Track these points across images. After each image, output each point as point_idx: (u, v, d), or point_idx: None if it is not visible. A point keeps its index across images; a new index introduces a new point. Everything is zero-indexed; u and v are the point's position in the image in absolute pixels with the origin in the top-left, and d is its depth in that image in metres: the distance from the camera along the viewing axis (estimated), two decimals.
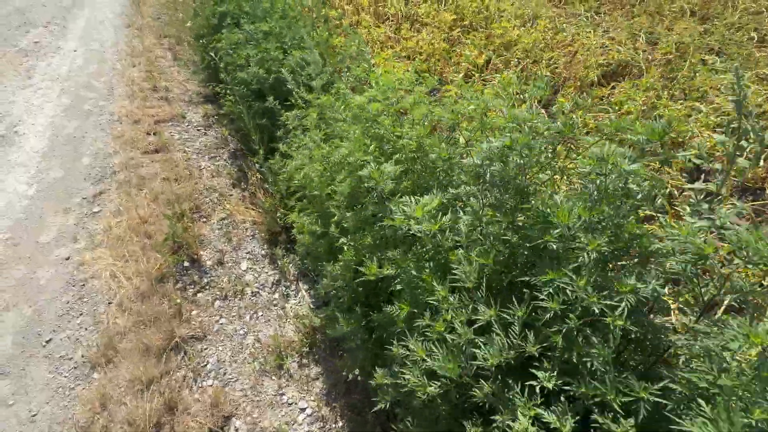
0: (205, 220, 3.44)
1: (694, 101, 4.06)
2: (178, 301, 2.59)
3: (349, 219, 1.85)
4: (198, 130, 4.84)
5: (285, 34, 3.77)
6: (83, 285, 2.72)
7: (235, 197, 3.72)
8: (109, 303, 2.65)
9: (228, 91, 3.86)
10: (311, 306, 2.72)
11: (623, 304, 1.13)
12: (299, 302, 2.82)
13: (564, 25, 6.84)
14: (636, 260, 1.41)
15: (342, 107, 2.29)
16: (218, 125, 4.91)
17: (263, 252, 3.18)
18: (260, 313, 2.70)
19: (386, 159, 1.83)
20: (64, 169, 3.93)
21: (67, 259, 2.94)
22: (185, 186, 3.72)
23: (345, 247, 1.91)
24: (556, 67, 5.16)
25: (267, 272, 3.03)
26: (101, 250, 2.96)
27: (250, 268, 3.05)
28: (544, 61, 5.16)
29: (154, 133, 4.53)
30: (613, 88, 4.64)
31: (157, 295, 2.62)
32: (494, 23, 6.57)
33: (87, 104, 5.25)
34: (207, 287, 2.84)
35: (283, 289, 2.91)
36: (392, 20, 7.61)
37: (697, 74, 4.50)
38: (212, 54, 4.12)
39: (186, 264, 2.97)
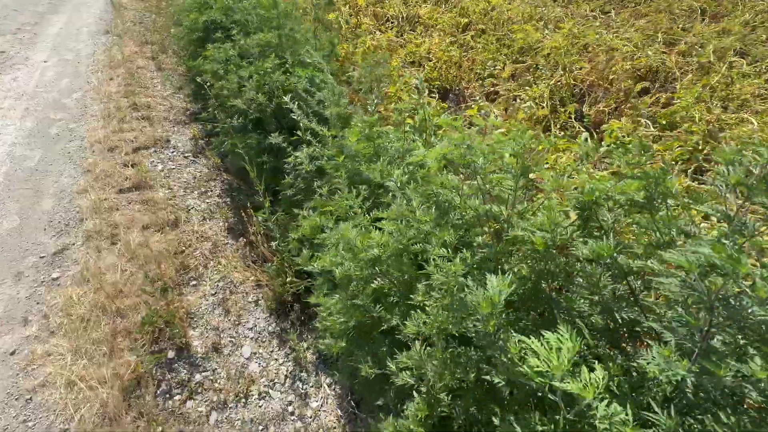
0: (195, 282, 2.70)
1: (738, 112, 3.44)
2: (160, 430, 1.85)
3: (427, 359, 1.14)
4: (185, 157, 4.07)
5: (286, 48, 3.03)
6: (29, 399, 1.97)
7: (232, 249, 2.98)
8: None
9: (218, 121, 3.11)
10: (340, 416, 2.01)
11: None
12: (322, 405, 2.10)
13: (575, 26, 6.20)
14: None
15: (402, 174, 1.53)
16: (208, 151, 4.15)
17: (270, 328, 2.45)
18: (272, 431, 1.97)
19: (485, 264, 1.12)
20: (21, 215, 3.15)
21: (13, 353, 2.18)
22: (170, 236, 2.97)
23: (416, 395, 1.20)
24: (578, 74, 4.49)
25: (277, 359, 2.31)
26: (58, 339, 2.20)
27: (256, 354, 2.32)
28: (571, 69, 4.49)
29: (132, 165, 3.75)
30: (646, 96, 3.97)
31: (130, 414, 1.89)
32: (513, 26, 5.88)
33: (54, 128, 4.45)
34: (199, 390, 2.10)
35: (300, 384, 2.19)
36: (392, 22, 6.89)
37: (734, 80, 3.88)
38: (198, 79, 3.35)
39: (171, 354, 2.23)
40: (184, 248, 2.94)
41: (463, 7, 6.90)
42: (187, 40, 4.26)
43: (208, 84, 2.96)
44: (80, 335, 2.20)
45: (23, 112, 4.75)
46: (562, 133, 3.65)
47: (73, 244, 2.88)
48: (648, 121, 3.48)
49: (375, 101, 2.52)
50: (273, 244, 2.56)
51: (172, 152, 4.10)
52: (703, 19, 6.20)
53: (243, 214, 2.98)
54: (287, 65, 3.01)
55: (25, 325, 2.32)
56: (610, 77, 4.45)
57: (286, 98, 2.43)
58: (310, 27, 3.48)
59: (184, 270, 2.75)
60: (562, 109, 3.89)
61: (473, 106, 3.83)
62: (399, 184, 1.42)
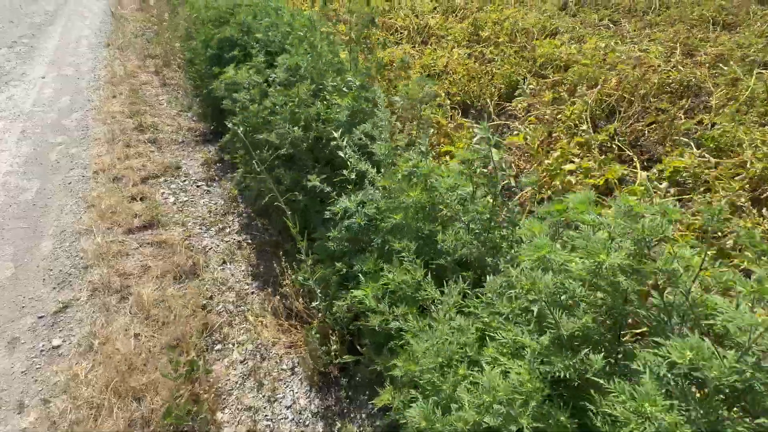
0: (220, 346, 2.29)
1: None
2: None
3: None
4: (198, 186, 3.66)
5: (323, 72, 2.63)
6: None
7: (258, 300, 2.57)
8: None
9: (242, 156, 2.71)
10: None
11: None
12: None
13: (599, 39, 5.87)
14: None
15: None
16: (223, 177, 3.74)
17: (313, 407, 2.05)
18: None
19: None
20: (16, 262, 2.73)
21: None
22: (188, 288, 2.56)
23: None
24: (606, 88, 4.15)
25: None
26: None
27: None
28: (600, 84, 4.14)
29: (141, 198, 3.34)
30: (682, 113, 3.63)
31: None
32: (535, 40, 5.52)
33: (54, 153, 4.03)
34: None
35: None
36: (401, 32, 6.53)
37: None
38: (222, 104, 2.95)
39: None
40: (205, 300, 2.53)
41: (477, 18, 6.55)
42: (201, 54, 3.85)
43: (234, 123, 2.55)
44: (89, 429, 1.78)
45: (19, 135, 4.32)
46: (604, 156, 3.28)
47: (77, 300, 2.46)
48: (692, 143, 3.13)
49: (426, 139, 2.13)
50: (315, 305, 2.16)
51: (184, 181, 3.69)
52: (715, 29, 5.93)
53: (272, 259, 2.57)
54: (324, 92, 2.62)
55: (20, 413, 1.90)
56: (641, 92, 4.11)
57: (336, 134, 2.04)
58: (346, 47, 3.09)
59: (207, 330, 2.34)
60: (602, 130, 3.51)
61: (516, 133, 3.45)
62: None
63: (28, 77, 5.86)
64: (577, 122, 3.73)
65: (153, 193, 3.43)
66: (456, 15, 7.09)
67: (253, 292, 2.65)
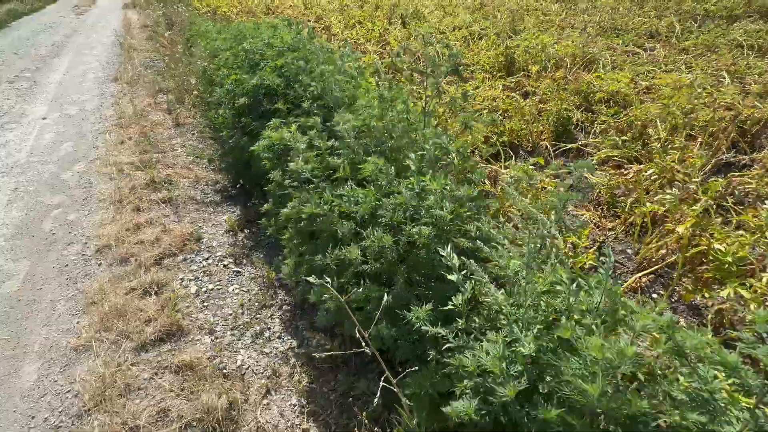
0: None
1: None
2: None
3: None
4: (225, 266, 2.90)
5: (401, 145, 1.90)
6: None
7: None
8: None
9: (299, 261, 1.94)
10: None
11: None
12: None
13: (624, 63, 5.20)
14: None
15: None
16: (254, 251, 2.98)
17: None
18: None
19: None
20: None
21: None
22: None
23: None
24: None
25: None
26: None
27: None
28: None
29: (155, 290, 2.57)
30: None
31: None
32: (596, 73, 4.82)
33: (49, 220, 3.29)
34: None
35: None
36: (420, 61, 5.85)
37: None
38: (241, 155, 2.20)
39: None
40: None
41: (508, 46, 5.87)
42: (227, 103, 3.14)
43: (289, 214, 1.80)
44: None
45: (10, 194, 3.59)
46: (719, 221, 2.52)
47: None
48: None
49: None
50: None
51: (207, 259, 2.93)
52: (749, 54, 5.31)
53: (333, 384, 1.78)
54: (404, 163, 1.88)
55: None
56: (711, 129, 3.40)
57: (444, 250, 1.29)
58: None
59: None
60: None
61: (594, 182, 2.70)
62: None
63: (27, 118, 5.17)
64: (689, 175, 2.97)
65: (170, 280, 2.67)
66: (480, 41, 6.38)
67: None
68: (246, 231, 3.27)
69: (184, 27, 7.37)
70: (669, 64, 5.06)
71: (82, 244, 2.99)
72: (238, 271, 2.87)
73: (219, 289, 2.69)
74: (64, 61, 7.64)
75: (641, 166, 2.98)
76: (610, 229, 2.79)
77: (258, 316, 2.51)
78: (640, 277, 2.28)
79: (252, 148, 2.41)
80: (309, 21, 7.52)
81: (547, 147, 3.68)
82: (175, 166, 4.13)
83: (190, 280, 2.73)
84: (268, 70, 2.79)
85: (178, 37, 7.17)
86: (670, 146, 3.22)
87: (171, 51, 7.06)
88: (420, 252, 1.62)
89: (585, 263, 2.26)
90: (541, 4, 8.24)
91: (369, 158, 1.83)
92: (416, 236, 1.57)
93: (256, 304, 2.59)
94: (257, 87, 2.84)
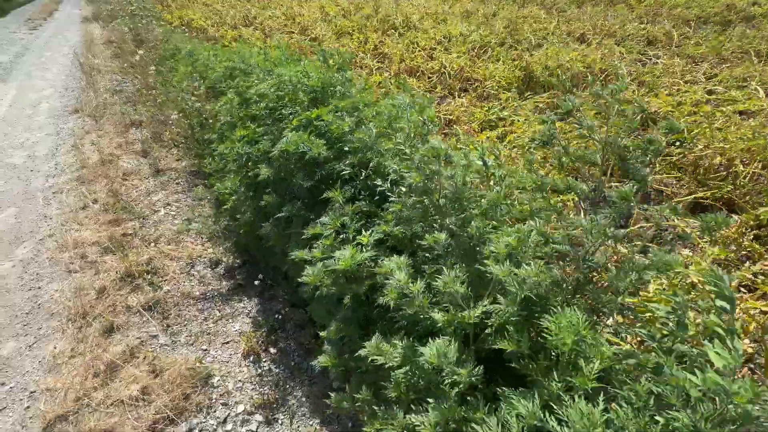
0: None
1: None
2: None
3: None
4: (252, 423, 1.83)
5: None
6: None
7: None
8: None
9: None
10: None
11: None
12: None
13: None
14: None
15: None
16: (294, 391, 1.92)
17: None
18: None
19: None
20: None
21: None
22: None
23: None
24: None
25: None
26: None
27: None
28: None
29: None
30: None
31: None
32: (656, 94, 3.91)
33: None
34: None
35: None
36: (430, 78, 4.89)
37: None
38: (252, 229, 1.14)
39: None
40: None
41: (527, 61, 4.94)
42: (237, 175, 2.06)
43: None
44: None
45: None
46: None
47: None
48: None
49: None
50: None
51: (224, 422, 1.85)
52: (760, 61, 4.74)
53: None
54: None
55: None
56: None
57: None
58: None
59: None
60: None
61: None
62: None
63: None
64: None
65: None
66: (489, 53, 5.38)
67: None
68: (272, 348, 2.20)
69: (156, 44, 6.14)
70: (686, 75, 4.32)
71: (19, 417, 1.86)
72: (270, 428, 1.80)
73: None
74: (11, 88, 6.28)
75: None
76: None
77: None
78: None
79: (304, 279, 1.36)
80: (293, 33, 6.42)
81: (610, 186, 2.74)
82: (159, 240, 3.00)
83: None
84: (306, 135, 1.72)
85: (149, 56, 5.94)
86: None
87: (142, 73, 5.82)
88: None
89: None
90: (531, 11, 7.42)
91: None
92: None
93: None
94: (287, 155, 1.78)
